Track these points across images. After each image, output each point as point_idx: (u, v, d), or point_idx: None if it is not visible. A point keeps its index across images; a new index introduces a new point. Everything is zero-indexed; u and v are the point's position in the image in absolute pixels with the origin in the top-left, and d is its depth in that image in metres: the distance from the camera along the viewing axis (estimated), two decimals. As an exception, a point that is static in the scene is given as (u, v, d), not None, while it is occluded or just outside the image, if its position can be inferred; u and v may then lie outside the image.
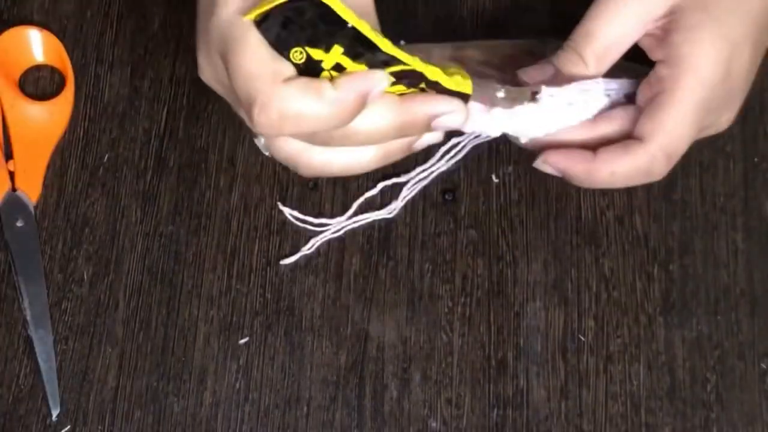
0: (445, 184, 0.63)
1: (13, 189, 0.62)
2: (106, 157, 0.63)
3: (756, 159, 0.64)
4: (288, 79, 0.45)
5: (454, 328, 0.60)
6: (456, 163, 0.62)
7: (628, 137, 0.53)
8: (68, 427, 0.57)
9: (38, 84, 0.65)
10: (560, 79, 0.53)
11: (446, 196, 0.62)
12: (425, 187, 0.63)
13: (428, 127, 0.49)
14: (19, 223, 0.60)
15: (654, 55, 0.53)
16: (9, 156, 0.62)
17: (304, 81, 0.45)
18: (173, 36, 0.66)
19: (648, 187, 0.62)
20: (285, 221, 0.62)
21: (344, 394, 0.58)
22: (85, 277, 0.60)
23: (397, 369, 0.59)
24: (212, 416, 0.58)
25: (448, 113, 0.48)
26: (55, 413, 0.57)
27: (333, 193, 0.63)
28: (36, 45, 0.64)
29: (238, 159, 0.63)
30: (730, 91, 0.53)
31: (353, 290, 0.61)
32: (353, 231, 0.62)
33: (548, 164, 0.54)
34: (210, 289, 0.60)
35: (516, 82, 0.55)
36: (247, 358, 0.59)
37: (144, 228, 0.62)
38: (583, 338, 0.60)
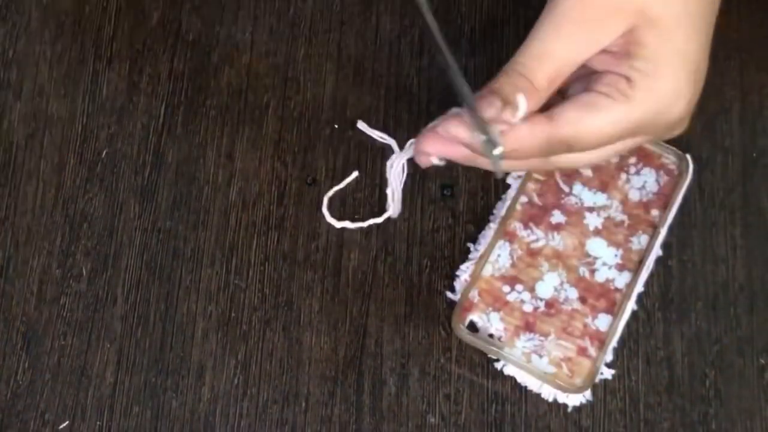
0: (444, 180, 0.63)
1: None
2: (104, 153, 0.63)
3: (755, 154, 0.63)
4: None
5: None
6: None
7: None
8: (66, 422, 0.57)
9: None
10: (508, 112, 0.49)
11: (445, 192, 0.62)
12: (423, 184, 0.63)
13: None
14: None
15: (615, 67, 0.48)
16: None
17: None
18: (171, 31, 0.66)
19: (647, 183, 0.62)
20: (283, 217, 0.62)
21: (343, 390, 0.58)
22: (84, 272, 0.60)
23: (396, 364, 0.59)
24: (211, 411, 0.58)
25: None
26: None
27: (331, 188, 0.62)
28: None
29: (236, 155, 0.63)
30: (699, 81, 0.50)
31: (351, 286, 0.61)
32: (351, 228, 0.62)
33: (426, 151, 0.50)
34: (208, 284, 0.60)
35: None
36: (245, 354, 0.59)
37: (142, 223, 0.62)
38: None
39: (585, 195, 0.60)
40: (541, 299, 0.58)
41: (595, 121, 0.47)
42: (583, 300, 0.58)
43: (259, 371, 0.59)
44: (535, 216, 0.60)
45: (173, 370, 0.58)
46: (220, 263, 0.61)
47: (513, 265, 0.59)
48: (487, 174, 0.63)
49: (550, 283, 0.58)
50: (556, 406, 0.58)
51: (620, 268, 0.59)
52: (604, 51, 0.48)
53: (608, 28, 0.47)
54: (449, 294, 0.59)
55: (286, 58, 0.65)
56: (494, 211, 0.61)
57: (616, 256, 0.59)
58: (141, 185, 0.62)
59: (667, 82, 0.47)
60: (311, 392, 0.58)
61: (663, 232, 0.59)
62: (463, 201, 0.62)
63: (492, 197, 0.62)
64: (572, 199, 0.60)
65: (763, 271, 0.61)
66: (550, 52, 0.47)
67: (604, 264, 0.58)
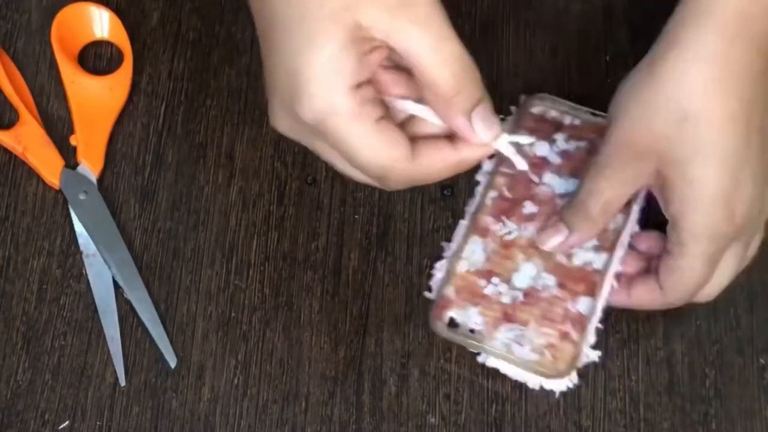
0: (444, 180, 0.63)
1: (75, 163, 0.62)
2: (104, 153, 0.63)
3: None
4: (418, 154, 0.50)
5: (453, 324, 0.60)
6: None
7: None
8: (66, 423, 0.57)
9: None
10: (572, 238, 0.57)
11: (444, 192, 0.62)
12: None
13: None
14: (82, 196, 0.60)
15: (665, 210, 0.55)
16: (70, 131, 0.63)
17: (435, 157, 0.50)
18: (172, 31, 0.66)
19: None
20: (283, 217, 0.62)
21: (343, 390, 0.58)
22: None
23: (396, 364, 0.59)
24: (211, 411, 0.58)
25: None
26: (173, 364, 0.58)
27: (331, 188, 0.63)
28: (96, 21, 0.65)
29: (236, 154, 0.63)
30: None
31: (351, 286, 0.61)
32: (351, 227, 0.62)
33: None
34: (208, 284, 0.60)
35: None
36: (245, 354, 0.59)
37: (142, 223, 0.62)
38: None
39: (556, 183, 0.60)
40: (518, 289, 0.58)
41: (690, 257, 0.54)
42: (562, 286, 0.58)
43: (259, 371, 0.59)
44: (507, 209, 0.59)
45: (173, 370, 0.58)
46: (220, 263, 0.61)
47: (488, 260, 0.58)
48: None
49: (526, 274, 0.58)
50: (556, 406, 0.58)
51: (598, 249, 0.58)
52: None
53: (638, 170, 0.54)
54: (426, 294, 0.59)
55: (286, 58, 0.65)
56: (465, 208, 0.60)
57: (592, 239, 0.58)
58: (141, 185, 0.62)
59: (706, 186, 0.52)
60: (311, 392, 0.58)
61: (636, 208, 0.58)
62: (463, 201, 0.62)
63: (492, 197, 0.62)
64: (543, 189, 0.60)
65: (763, 271, 0.61)
66: (599, 190, 0.55)
67: (581, 248, 0.58)
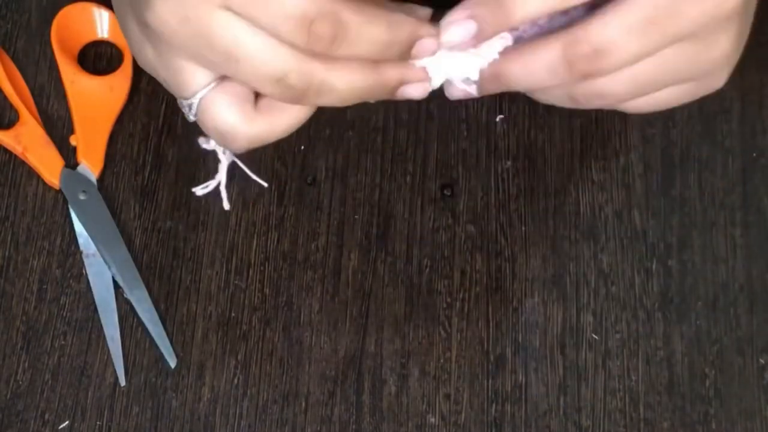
0: (444, 179, 0.63)
1: (75, 163, 0.62)
2: (104, 153, 0.63)
3: (755, 154, 0.63)
4: None
5: (453, 324, 0.60)
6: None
7: None
8: (66, 422, 0.57)
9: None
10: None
11: (444, 192, 0.62)
12: (423, 183, 0.63)
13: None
14: (82, 196, 0.60)
15: None
16: (70, 131, 0.63)
17: None
18: (171, 31, 0.66)
19: (646, 183, 0.62)
20: (283, 217, 0.62)
21: (343, 390, 0.58)
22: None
23: (396, 364, 0.59)
24: (210, 411, 0.58)
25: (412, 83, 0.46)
26: (173, 364, 0.58)
27: (331, 188, 0.63)
28: (96, 21, 0.65)
29: (236, 154, 0.63)
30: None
31: (351, 285, 0.61)
32: (351, 227, 0.62)
33: (515, 67, 0.45)
34: (208, 284, 0.60)
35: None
36: (245, 354, 0.59)
37: (142, 223, 0.62)
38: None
39: None
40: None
41: (625, 7, 0.42)
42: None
43: (259, 371, 0.59)
44: None
45: (173, 370, 0.58)
46: (220, 263, 0.61)
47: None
48: (487, 174, 0.63)
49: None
50: (556, 406, 0.58)
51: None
52: None
53: None
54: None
55: (286, 58, 0.65)
56: None
57: None
58: (141, 185, 0.62)
59: None
60: (311, 392, 0.58)
61: None
62: (463, 201, 0.62)
63: (492, 197, 0.62)
64: None
65: (763, 271, 0.61)
66: None
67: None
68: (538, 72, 0.45)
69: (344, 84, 0.45)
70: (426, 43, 0.45)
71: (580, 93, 0.46)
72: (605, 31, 0.43)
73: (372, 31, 0.43)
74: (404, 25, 0.44)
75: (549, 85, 0.45)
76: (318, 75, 0.44)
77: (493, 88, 0.48)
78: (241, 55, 0.44)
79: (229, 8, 0.43)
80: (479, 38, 0.45)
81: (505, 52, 0.47)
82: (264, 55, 0.43)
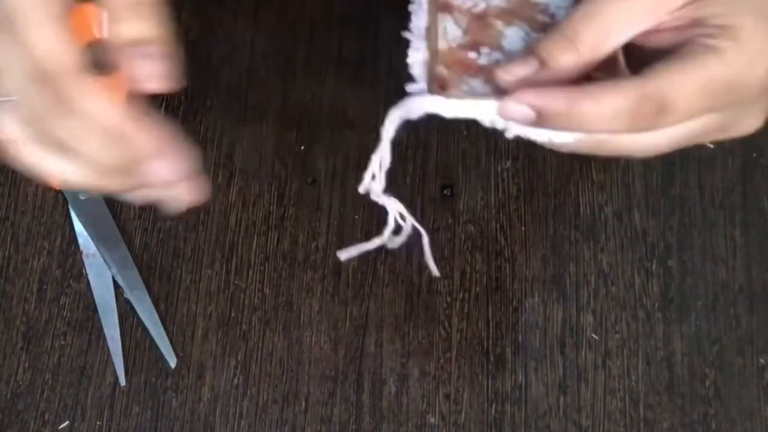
0: (444, 179, 0.63)
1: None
2: (104, 153, 0.63)
3: (754, 154, 0.63)
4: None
5: (453, 324, 0.60)
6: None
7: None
8: (66, 422, 0.57)
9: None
10: (545, 73, 0.46)
11: (445, 192, 0.62)
12: (423, 184, 0.63)
13: None
14: (82, 196, 0.61)
15: (685, 37, 0.44)
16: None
17: None
18: (172, 31, 0.66)
19: (646, 183, 0.62)
20: (283, 216, 0.62)
21: (343, 390, 0.58)
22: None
23: (396, 364, 0.59)
24: (211, 411, 0.58)
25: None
26: (173, 364, 0.58)
27: (331, 188, 0.62)
28: (96, 21, 0.65)
29: (236, 155, 0.63)
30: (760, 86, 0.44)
31: (351, 286, 0.61)
32: (351, 227, 0.62)
33: (521, 104, 0.44)
34: (208, 284, 0.60)
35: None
36: (245, 354, 0.59)
37: (142, 223, 0.62)
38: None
39: None
40: (514, 52, 0.50)
41: (691, 74, 0.42)
42: None
43: (259, 371, 0.59)
44: None
45: (173, 370, 0.58)
46: (220, 263, 0.61)
47: (466, 32, 0.51)
48: (487, 174, 0.63)
49: (516, 37, 0.50)
50: (556, 406, 0.58)
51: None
52: (661, 30, 0.44)
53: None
54: (409, 86, 0.50)
55: (286, 58, 0.65)
56: None
57: None
58: (141, 185, 0.62)
59: (749, 32, 0.43)
60: (311, 392, 0.58)
61: None
62: (463, 201, 0.62)
63: (492, 197, 0.62)
64: None
65: (763, 271, 0.61)
66: (600, 13, 0.43)
67: (558, 7, 0.51)
68: (604, 116, 0.43)
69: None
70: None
71: (619, 145, 0.45)
72: (674, 87, 0.42)
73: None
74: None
75: (603, 131, 0.44)
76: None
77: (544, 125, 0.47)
78: None
79: None
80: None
81: (566, 91, 0.45)
82: None
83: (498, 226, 0.62)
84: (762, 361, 0.59)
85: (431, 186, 0.62)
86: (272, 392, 0.58)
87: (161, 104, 0.64)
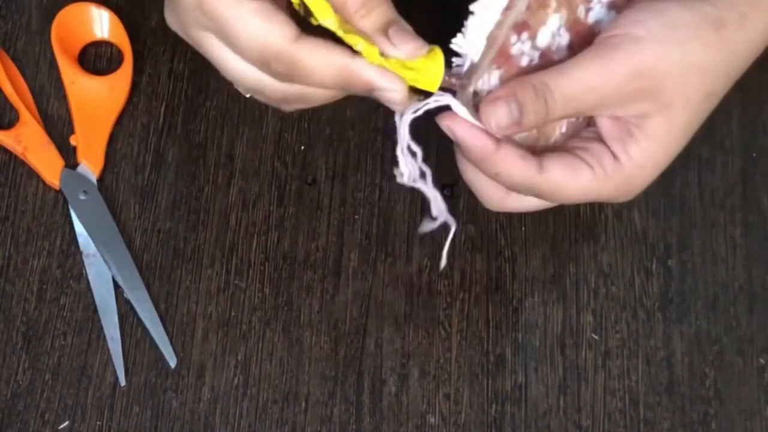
0: (444, 179, 0.63)
1: (75, 163, 0.62)
2: (104, 153, 0.63)
3: (754, 154, 0.63)
4: (302, 39, 0.47)
5: (453, 324, 0.60)
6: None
7: None
8: (66, 422, 0.57)
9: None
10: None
11: (445, 192, 0.62)
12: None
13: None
14: (82, 196, 0.61)
15: (612, 140, 0.50)
16: (70, 131, 0.63)
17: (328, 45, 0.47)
18: (172, 31, 0.65)
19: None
20: (283, 217, 0.62)
21: (343, 390, 0.58)
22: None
23: (396, 364, 0.59)
24: (211, 411, 0.58)
25: (385, 90, 0.48)
26: (173, 364, 0.58)
27: (331, 188, 0.63)
28: (96, 21, 0.65)
29: (236, 154, 0.63)
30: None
31: (351, 286, 0.61)
32: (351, 227, 0.62)
33: (446, 124, 0.50)
34: (208, 284, 0.60)
35: None
36: (245, 354, 0.59)
37: (142, 223, 0.62)
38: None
39: None
40: (537, 49, 0.51)
41: (573, 188, 0.49)
42: (570, 49, 0.52)
43: (259, 371, 0.59)
44: None
45: (173, 370, 0.58)
46: (220, 263, 0.61)
47: (528, 7, 0.50)
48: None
49: (550, 28, 0.51)
50: (556, 406, 0.58)
51: (611, 6, 0.52)
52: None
53: (637, 105, 0.48)
54: (456, 61, 0.50)
55: (286, 58, 0.65)
56: None
57: None
58: (141, 185, 0.62)
59: (647, 176, 0.50)
60: (311, 392, 0.58)
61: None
62: (463, 201, 0.62)
63: (492, 197, 0.62)
64: None
65: (763, 271, 0.61)
66: (585, 81, 0.48)
67: (599, 2, 0.52)
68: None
69: (317, 96, 0.50)
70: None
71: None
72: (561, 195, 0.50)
73: (322, 72, 0.47)
74: (347, 63, 0.47)
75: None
76: (290, 90, 0.49)
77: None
78: (224, 68, 0.50)
79: (212, 34, 0.49)
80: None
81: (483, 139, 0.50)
82: (241, 73, 0.50)
83: (498, 226, 0.62)
84: (762, 361, 0.59)
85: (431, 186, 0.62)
86: (272, 392, 0.58)
87: (161, 104, 0.64)
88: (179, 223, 0.62)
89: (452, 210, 0.62)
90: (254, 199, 0.62)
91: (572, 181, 0.49)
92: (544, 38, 0.51)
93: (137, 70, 0.65)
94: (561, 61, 0.50)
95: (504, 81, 0.50)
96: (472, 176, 0.52)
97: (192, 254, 0.61)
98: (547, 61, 0.51)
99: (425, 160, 0.63)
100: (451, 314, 0.60)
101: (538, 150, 0.50)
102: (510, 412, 0.58)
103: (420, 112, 0.50)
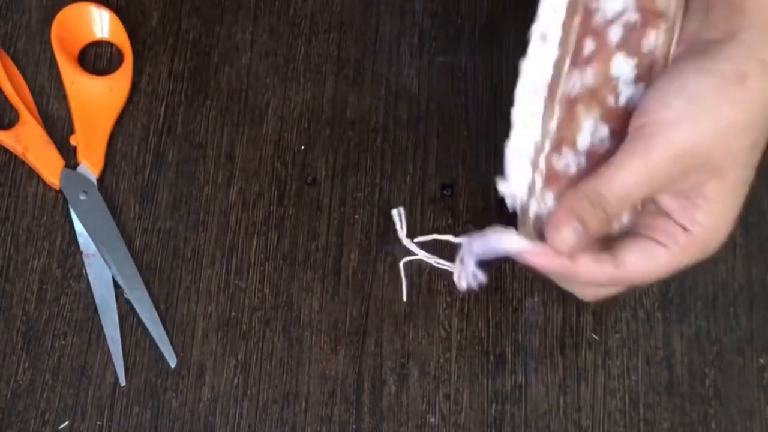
0: (444, 179, 0.63)
1: (75, 163, 0.62)
2: (104, 153, 0.63)
3: (754, 154, 0.63)
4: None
5: (453, 324, 0.60)
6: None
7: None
8: (66, 422, 0.57)
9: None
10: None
11: (445, 191, 0.62)
12: (423, 184, 0.63)
13: None
14: (82, 196, 0.61)
15: (677, 213, 0.51)
16: (70, 131, 0.63)
17: None
18: (172, 31, 0.66)
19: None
20: (283, 217, 0.62)
21: (342, 390, 0.58)
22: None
23: (396, 364, 0.59)
24: (211, 411, 0.58)
25: None
26: (173, 364, 0.58)
27: (331, 188, 0.63)
28: (96, 21, 0.65)
29: (236, 155, 0.63)
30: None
31: (351, 286, 0.61)
32: (351, 227, 0.62)
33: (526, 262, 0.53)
34: (208, 284, 0.60)
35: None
36: (245, 354, 0.59)
37: (142, 223, 0.62)
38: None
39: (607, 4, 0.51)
40: (581, 154, 0.52)
41: (653, 271, 0.51)
42: (613, 135, 0.52)
43: (259, 371, 0.59)
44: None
45: (173, 369, 0.58)
46: (220, 263, 0.61)
47: (558, 126, 0.51)
48: (487, 174, 0.63)
49: (587, 130, 0.52)
50: (556, 406, 0.58)
51: (637, 80, 0.52)
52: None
53: (690, 179, 0.49)
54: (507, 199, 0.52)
55: (286, 58, 0.65)
56: (524, 64, 0.52)
57: (633, 67, 0.52)
58: (141, 185, 0.62)
59: (722, 235, 0.51)
60: (311, 392, 0.58)
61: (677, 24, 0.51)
62: (463, 201, 0.62)
63: (492, 197, 0.62)
64: (598, 17, 0.51)
65: (762, 271, 0.61)
66: (633, 179, 0.49)
67: (624, 83, 0.52)
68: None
69: None
70: None
71: None
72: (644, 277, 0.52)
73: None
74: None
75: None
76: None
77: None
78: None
79: None
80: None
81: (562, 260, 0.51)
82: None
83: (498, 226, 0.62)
84: (762, 361, 0.59)
85: (431, 186, 0.63)
86: (272, 392, 0.58)
87: (161, 104, 0.64)
88: (179, 223, 0.62)
89: (452, 210, 0.62)
90: (254, 199, 0.62)
91: (650, 264, 0.50)
92: (584, 141, 0.52)
93: (137, 70, 0.65)
94: (608, 151, 0.51)
95: (558, 197, 0.51)
96: (563, 284, 0.55)
97: (192, 254, 0.61)
98: (594, 158, 0.52)
99: (425, 163, 0.63)
100: (451, 314, 0.60)
101: (612, 238, 0.52)
102: (510, 412, 0.58)
103: (487, 256, 0.53)
